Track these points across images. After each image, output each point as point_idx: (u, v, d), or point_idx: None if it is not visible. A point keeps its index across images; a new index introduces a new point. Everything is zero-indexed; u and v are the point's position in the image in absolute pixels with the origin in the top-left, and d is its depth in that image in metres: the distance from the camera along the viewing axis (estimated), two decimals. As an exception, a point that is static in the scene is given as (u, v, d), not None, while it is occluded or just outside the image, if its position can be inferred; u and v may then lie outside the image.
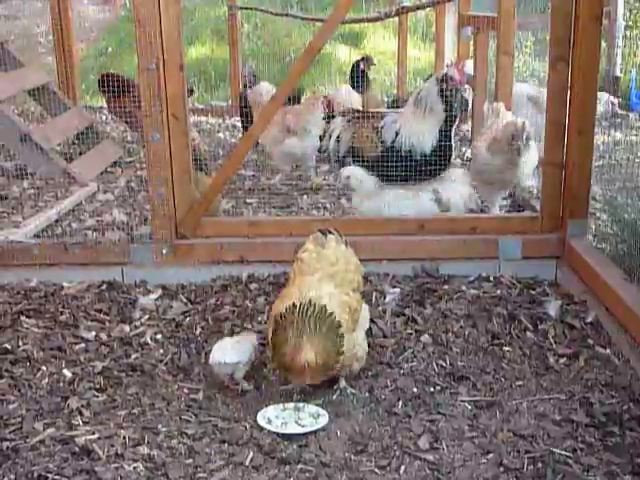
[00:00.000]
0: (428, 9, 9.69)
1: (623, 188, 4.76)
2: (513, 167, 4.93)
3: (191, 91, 6.89)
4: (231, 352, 3.32)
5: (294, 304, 3.04)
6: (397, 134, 4.82)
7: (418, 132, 4.76)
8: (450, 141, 4.80)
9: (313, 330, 3.00)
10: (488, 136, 5.14)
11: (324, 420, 3.05)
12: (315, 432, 2.99)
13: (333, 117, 5.58)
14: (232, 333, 3.81)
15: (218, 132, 8.69)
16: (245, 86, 7.20)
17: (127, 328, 3.93)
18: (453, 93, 4.72)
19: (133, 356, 3.66)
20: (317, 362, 3.00)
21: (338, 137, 5.15)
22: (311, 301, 3.04)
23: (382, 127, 4.93)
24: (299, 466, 2.78)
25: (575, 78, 4.20)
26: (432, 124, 4.75)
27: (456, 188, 4.91)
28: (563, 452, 2.82)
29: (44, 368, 3.54)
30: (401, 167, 4.72)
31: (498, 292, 4.22)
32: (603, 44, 5.56)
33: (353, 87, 7.64)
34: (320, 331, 3.00)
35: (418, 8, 7.93)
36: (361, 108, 6.71)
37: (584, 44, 4.12)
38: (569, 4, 4.14)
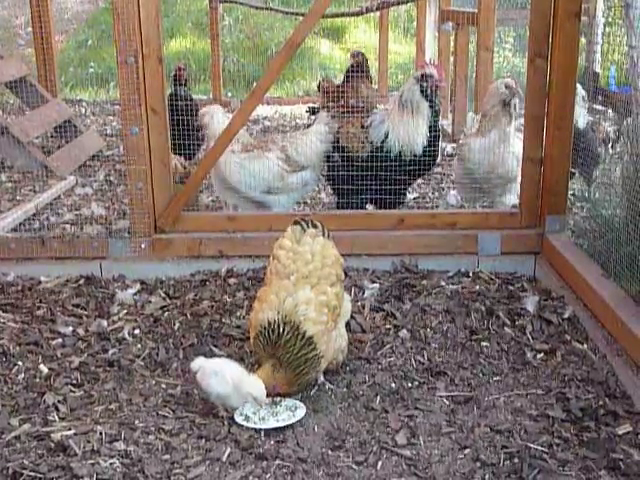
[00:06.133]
0: (409, 4, 9.71)
1: (601, 184, 4.78)
2: (506, 142, 4.81)
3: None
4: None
5: (272, 323, 3.08)
6: (387, 136, 4.81)
7: (409, 134, 4.77)
8: (438, 137, 4.85)
9: (280, 360, 3.08)
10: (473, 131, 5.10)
11: (301, 412, 3.05)
12: (293, 425, 2.99)
13: (317, 111, 5.50)
14: (211, 328, 3.81)
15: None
16: None
17: (105, 323, 3.90)
18: (434, 90, 4.77)
19: (110, 351, 3.64)
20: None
21: None
22: (287, 318, 3.08)
23: (369, 125, 4.91)
24: (276, 462, 2.78)
25: (553, 74, 4.22)
26: (420, 124, 4.78)
27: (306, 140, 4.88)
28: (539, 447, 2.84)
29: (20, 363, 3.51)
30: (391, 168, 4.71)
31: (477, 287, 4.23)
32: (582, 40, 5.57)
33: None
34: (289, 361, 3.07)
35: (399, 3, 7.93)
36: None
37: (562, 40, 4.14)
38: (548, 1, 4.16)
